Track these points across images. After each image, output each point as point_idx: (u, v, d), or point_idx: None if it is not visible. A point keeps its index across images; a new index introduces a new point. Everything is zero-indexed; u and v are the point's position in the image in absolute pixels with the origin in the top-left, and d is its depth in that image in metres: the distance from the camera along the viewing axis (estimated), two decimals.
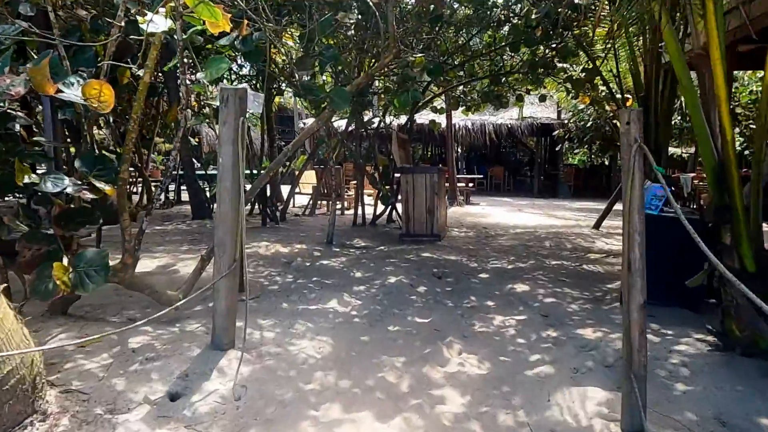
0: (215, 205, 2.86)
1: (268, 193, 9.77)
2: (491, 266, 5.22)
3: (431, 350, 3.14)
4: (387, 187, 7.38)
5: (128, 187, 3.78)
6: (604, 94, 7.44)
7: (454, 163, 13.02)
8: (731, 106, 9.02)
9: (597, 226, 8.21)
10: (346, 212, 10.04)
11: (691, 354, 2.93)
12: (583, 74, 6.94)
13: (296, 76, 4.09)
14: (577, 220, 10.09)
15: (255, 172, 7.79)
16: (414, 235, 6.90)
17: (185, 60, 3.04)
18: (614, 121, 12.26)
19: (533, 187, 18.66)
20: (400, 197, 7.06)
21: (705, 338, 3.14)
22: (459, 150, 21.47)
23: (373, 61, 4.91)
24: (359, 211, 8.28)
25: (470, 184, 14.86)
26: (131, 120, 3.34)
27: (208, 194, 9.84)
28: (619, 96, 7.23)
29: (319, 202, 11.59)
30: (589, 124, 12.50)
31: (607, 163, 23.30)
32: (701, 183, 12.42)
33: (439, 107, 10.07)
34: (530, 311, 3.80)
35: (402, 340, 3.33)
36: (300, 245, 6.07)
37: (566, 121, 16.54)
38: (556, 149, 17.08)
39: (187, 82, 3.29)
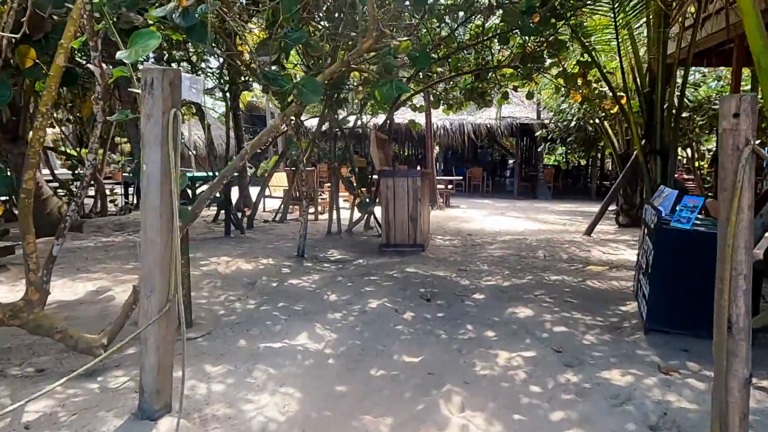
0: (141, 232, 2.14)
1: (235, 199, 9.05)
2: (485, 284, 4.59)
3: (425, 405, 2.48)
4: (364, 191, 6.70)
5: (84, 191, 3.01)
6: (597, 91, 6.93)
7: (433, 163, 12.42)
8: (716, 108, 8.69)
9: (589, 232, 7.71)
10: (320, 217, 9.33)
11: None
12: (577, 68, 6.40)
13: (257, 62, 3.39)
14: (564, 225, 9.60)
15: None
16: (395, 245, 6.25)
17: (98, 34, 2.31)
18: (596, 121, 11.88)
19: (513, 188, 18.26)
20: (379, 203, 6.40)
21: None
22: (437, 150, 20.96)
23: (349, 46, 4.22)
24: (334, 218, 7.59)
25: (450, 186, 14.31)
26: (39, 114, 2.59)
27: None
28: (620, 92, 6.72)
29: (291, 206, 10.84)
30: (572, 124, 12.07)
31: (583, 163, 23.17)
32: (689, 184, 12.16)
33: (418, 105, 9.44)
34: (539, 345, 3.18)
35: (388, 389, 2.65)
36: (267, 260, 5.33)
37: (546, 121, 16.17)
38: (539, 149, 16.68)
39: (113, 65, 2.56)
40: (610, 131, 9.02)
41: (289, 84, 3.41)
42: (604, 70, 6.86)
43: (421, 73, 8.50)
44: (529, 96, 7.99)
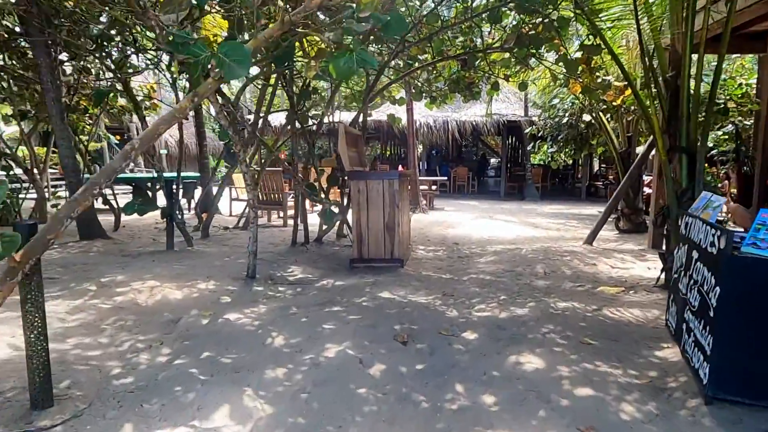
0: None
1: (195, 203, 7.97)
2: (477, 315, 3.64)
3: None
4: (331, 197, 5.71)
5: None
6: (601, 80, 6.05)
7: (416, 163, 11.47)
8: (722, 101, 7.77)
9: (590, 240, 6.83)
10: (291, 222, 8.30)
11: None
12: (581, 53, 5.50)
13: (158, 22, 2.40)
14: (558, 230, 8.73)
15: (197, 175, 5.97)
16: (369, 260, 5.27)
17: None
18: (591, 116, 11.05)
19: (499, 188, 17.43)
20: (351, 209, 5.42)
21: None
22: (420, 149, 20.02)
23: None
24: (300, 225, 6.58)
25: (434, 187, 13.40)
26: None
27: (115, 205, 7.90)
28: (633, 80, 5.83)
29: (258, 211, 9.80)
30: (564, 120, 11.23)
31: (570, 162, 22.47)
32: None
33: (398, 98, 8.47)
34: (559, 421, 2.23)
35: None
36: (206, 283, 4.30)
37: (534, 118, 15.35)
38: (528, 148, 15.86)
39: None
40: (608, 127, 8.16)
41: (204, 52, 2.40)
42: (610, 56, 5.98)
43: (400, 61, 7.57)
44: (522, 87, 7.08)
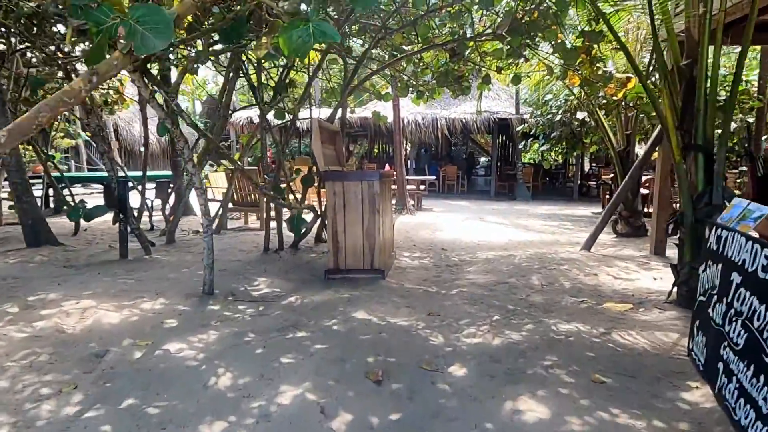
0: None
1: (158, 205, 7.33)
2: (467, 342, 3.09)
3: None
4: (309, 197, 5.14)
5: None
6: (601, 71, 5.54)
7: (403, 163, 10.93)
8: (722, 98, 7.31)
9: (588, 246, 6.33)
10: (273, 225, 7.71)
11: None
12: (581, 40, 4.99)
13: None
14: (553, 233, 8.23)
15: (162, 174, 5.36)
16: (346, 271, 4.71)
17: None
18: (585, 113, 10.59)
19: (489, 188, 16.96)
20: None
21: None
22: (408, 147, 19.48)
23: None
24: (278, 230, 6.01)
25: (422, 187, 12.87)
26: None
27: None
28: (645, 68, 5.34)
29: (231, 213, 9.20)
30: (557, 118, 10.76)
31: (561, 160, 22.07)
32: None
33: (383, 93, 7.91)
34: None
35: None
36: (153, 302, 3.71)
37: (526, 116, 14.88)
38: (519, 146, 15.38)
39: None
40: (606, 124, 7.67)
41: (110, 16, 1.82)
42: (611, 45, 5.49)
43: (385, 53, 7.02)
44: (515, 80, 6.54)
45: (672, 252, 6.21)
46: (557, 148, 12.51)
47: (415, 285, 4.57)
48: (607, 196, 12.65)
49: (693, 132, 3.78)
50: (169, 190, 8.35)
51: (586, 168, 21.04)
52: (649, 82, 4.54)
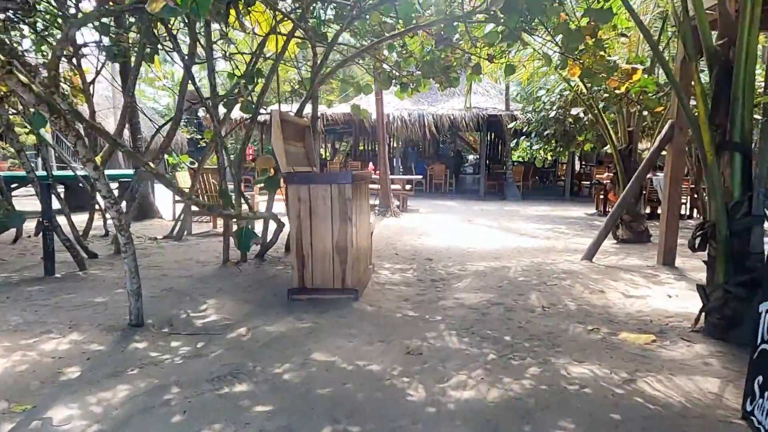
0: None
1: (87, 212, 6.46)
2: (455, 397, 2.39)
3: None
4: (247, 209, 4.40)
5: None
6: (605, 60, 4.89)
7: (386, 161, 10.23)
8: None
9: (590, 256, 5.68)
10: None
11: None
12: (586, 20, 4.32)
13: None
14: (547, 238, 7.60)
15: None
16: (312, 290, 4.00)
17: None
18: (580, 109, 9.98)
19: (478, 187, 16.34)
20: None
21: None
22: (395, 145, 18.78)
23: None
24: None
25: (408, 187, 12.18)
26: None
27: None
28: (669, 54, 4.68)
29: (199, 217, 8.45)
30: (551, 114, 10.13)
31: (555, 158, 21.52)
32: None
33: (363, 84, 7.19)
34: None
35: None
36: (61, 338, 2.96)
37: (516, 113, 14.27)
38: (511, 144, 14.76)
39: None
40: (606, 121, 7.04)
41: None
42: (620, 28, 4.84)
43: (364, 40, 6.31)
44: (509, 71, 5.85)
45: (682, 261, 5.60)
46: (549, 146, 11.90)
47: (395, 307, 3.87)
48: (601, 197, 12.11)
49: (728, 127, 3.12)
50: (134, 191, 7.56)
51: (577, 167, 20.53)
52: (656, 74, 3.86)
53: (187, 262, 5.26)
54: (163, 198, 9.93)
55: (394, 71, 6.75)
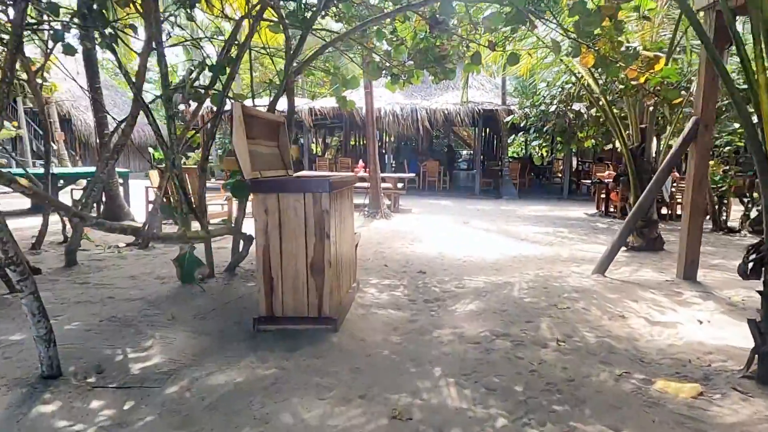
0: None
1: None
2: None
3: None
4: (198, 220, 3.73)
5: None
6: (625, 47, 4.26)
7: (376, 158, 9.56)
8: None
9: (602, 269, 5.06)
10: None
11: None
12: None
13: None
14: (550, 244, 6.99)
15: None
16: (283, 319, 3.35)
17: None
18: (579, 106, 9.37)
19: (473, 184, 15.71)
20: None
21: None
22: (387, 141, 18.10)
23: None
24: (206, 249, 4.59)
25: (399, 185, 11.53)
26: None
27: None
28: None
29: (171, 221, 7.73)
30: (552, 108, 9.51)
31: (549, 156, 20.95)
32: (681, 185, 9.87)
33: (349, 76, 6.51)
34: None
35: None
36: None
37: (513, 107, 13.64)
38: (508, 140, 14.15)
39: None
40: (614, 116, 6.42)
41: None
42: (642, 10, 4.21)
43: (346, 23, 5.63)
44: (512, 60, 5.17)
45: (703, 274, 5.01)
46: (547, 142, 11.30)
47: (381, 340, 3.23)
48: (602, 196, 11.53)
49: None
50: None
51: (573, 164, 19.94)
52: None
53: (144, 278, 4.59)
54: (138, 198, 9.20)
55: (384, 61, 6.08)
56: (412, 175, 13.70)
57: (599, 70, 4.95)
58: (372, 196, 9.60)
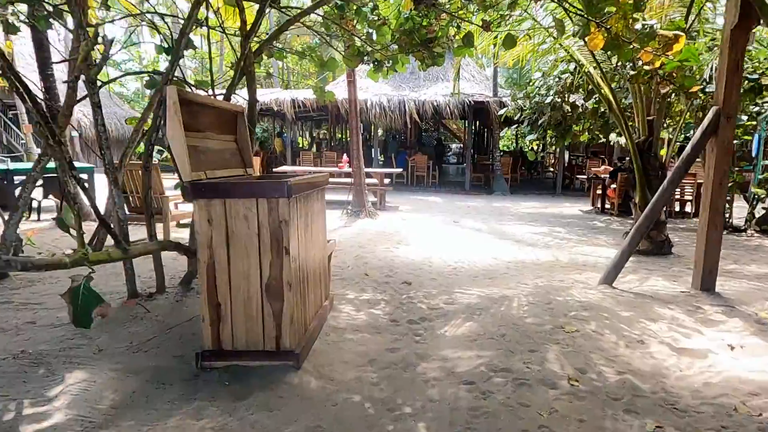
0: None
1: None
2: None
3: None
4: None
5: None
6: (642, 26, 3.67)
7: (360, 152, 8.92)
8: (754, 76, 5.58)
9: (610, 280, 4.49)
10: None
11: None
12: None
13: None
14: (548, 246, 6.43)
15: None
16: (233, 354, 2.71)
17: None
18: (575, 97, 8.80)
19: (463, 179, 15.13)
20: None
21: None
22: (374, 134, 17.42)
23: None
24: (155, 261, 3.94)
25: (386, 181, 10.90)
26: None
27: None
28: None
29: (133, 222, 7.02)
30: (548, 100, 8.92)
31: (535, 148, 20.41)
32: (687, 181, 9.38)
33: (326, 58, 5.84)
34: None
35: None
36: None
37: (504, 99, 13.06)
38: (500, 133, 13.57)
39: None
40: (618, 107, 5.84)
41: None
42: None
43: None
44: (508, 43, 4.53)
45: (721, 284, 4.46)
46: (541, 136, 10.72)
47: (353, 380, 2.62)
48: (598, 192, 11.01)
49: None
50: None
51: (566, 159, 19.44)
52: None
53: None
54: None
55: (365, 45, 5.43)
56: (400, 170, 13.08)
57: (607, 54, 4.35)
58: (356, 193, 8.96)
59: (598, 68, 5.64)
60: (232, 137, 3.56)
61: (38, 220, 7.76)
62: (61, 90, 7.75)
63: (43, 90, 6.89)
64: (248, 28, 3.64)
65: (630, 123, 6.01)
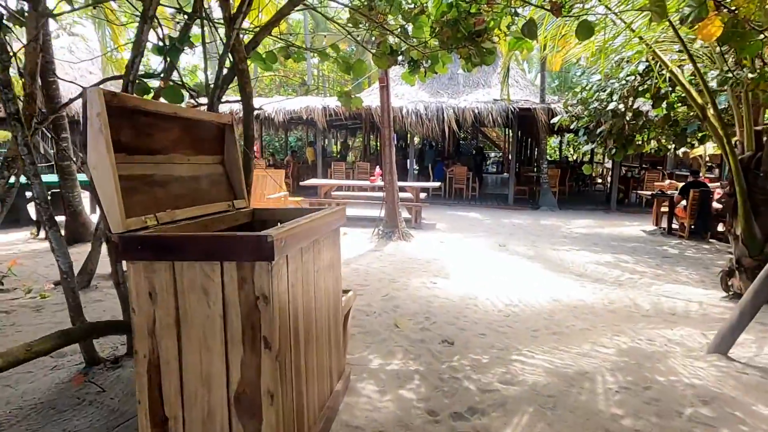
0: None
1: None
2: None
3: None
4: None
5: None
6: None
7: (393, 166, 7.96)
8: None
9: (725, 349, 3.33)
10: None
11: None
12: None
13: None
14: (619, 284, 5.27)
15: None
16: None
17: None
18: (638, 104, 7.57)
19: (507, 192, 13.93)
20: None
21: None
22: (410, 143, 16.44)
23: None
24: (124, 307, 3.10)
25: (422, 195, 9.91)
26: None
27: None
28: None
29: None
30: (609, 107, 7.72)
31: (592, 161, 18.94)
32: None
33: (354, 60, 4.90)
34: None
35: None
36: None
37: (553, 106, 11.84)
38: (551, 142, 12.33)
39: None
40: (712, 116, 4.66)
41: None
42: None
43: None
44: (584, 33, 3.48)
45: None
46: (601, 147, 9.48)
47: None
48: (663, 210, 9.66)
49: None
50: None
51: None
52: None
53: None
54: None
55: (399, 42, 4.49)
56: (438, 184, 12.04)
57: (719, 47, 3.22)
58: (388, 211, 8.00)
59: (695, 67, 4.46)
60: (217, 158, 2.65)
61: (46, 238, 7.17)
62: (64, 96, 7.18)
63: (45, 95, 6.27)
64: (233, 10, 2.73)
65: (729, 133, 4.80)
